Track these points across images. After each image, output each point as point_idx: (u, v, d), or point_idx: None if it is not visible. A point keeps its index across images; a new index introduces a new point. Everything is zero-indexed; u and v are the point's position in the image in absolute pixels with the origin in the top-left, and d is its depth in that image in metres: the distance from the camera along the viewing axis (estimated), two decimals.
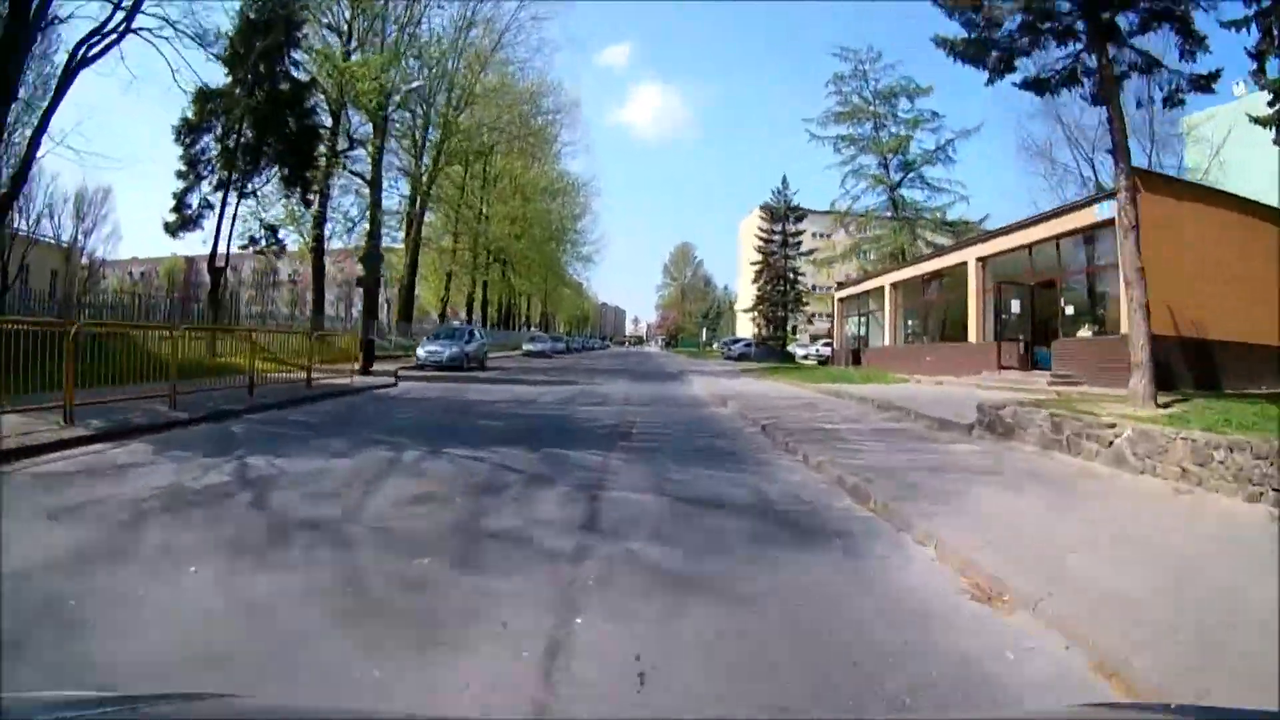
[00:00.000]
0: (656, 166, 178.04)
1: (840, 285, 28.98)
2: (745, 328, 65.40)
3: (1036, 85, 10.31)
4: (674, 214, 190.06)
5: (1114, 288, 15.76)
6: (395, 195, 33.96)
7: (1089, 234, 16.14)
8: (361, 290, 20.91)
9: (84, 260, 66.84)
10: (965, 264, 19.96)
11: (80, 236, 61.74)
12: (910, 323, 24.30)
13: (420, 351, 21.32)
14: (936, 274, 21.91)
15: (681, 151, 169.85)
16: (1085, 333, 16.43)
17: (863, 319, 26.98)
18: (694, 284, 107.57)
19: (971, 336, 19.29)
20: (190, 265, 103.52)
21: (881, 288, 24.86)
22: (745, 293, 71.42)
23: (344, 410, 10.12)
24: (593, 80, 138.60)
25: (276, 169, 21.96)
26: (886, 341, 24.09)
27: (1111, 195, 15.37)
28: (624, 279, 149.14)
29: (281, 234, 25.75)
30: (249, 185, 21.83)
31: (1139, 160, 30.90)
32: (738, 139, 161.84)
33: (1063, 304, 17.01)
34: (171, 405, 8.24)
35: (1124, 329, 14.46)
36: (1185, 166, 31.01)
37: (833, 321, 32.06)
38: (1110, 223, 15.08)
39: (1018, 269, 18.43)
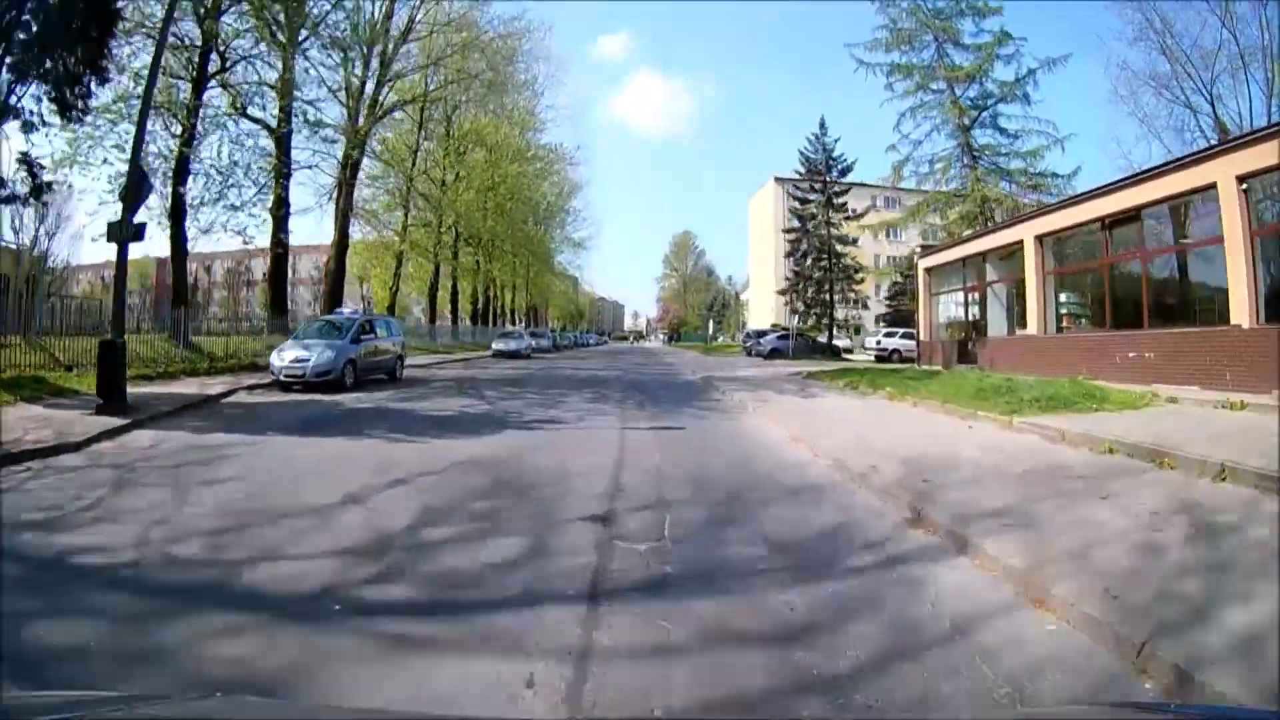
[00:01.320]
0: (655, 158, 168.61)
1: (925, 249, 20.26)
2: (761, 318, 56.68)
3: None
4: (674, 207, 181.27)
5: None
6: (320, 152, 25.19)
7: None
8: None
9: (48, 264, 57.96)
10: (1212, 188, 11.29)
11: (43, 238, 52.95)
12: (1066, 297, 15.66)
13: (274, 360, 12.67)
14: (1129, 214, 13.23)
15: (681, 142, 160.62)
16: None
17: (971, 296, 18.30)
18: (696, 275, 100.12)
19: (1240, 317, 10.65)
20: (162, 266, 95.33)
21: (1014, 245, 16.16)
22: (761, 276, 62.48)
23: None
24: (588, 70, 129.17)
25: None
26: (1032, 328, 15.39)
27: None
28: (623, 274, 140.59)
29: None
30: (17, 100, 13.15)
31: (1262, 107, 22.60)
32: (740, 128, 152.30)
33: None
34: None
35: None
36: None
37: (913, 302, 23.41)
38: None
39: None
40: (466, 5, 29.95)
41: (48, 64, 12.63)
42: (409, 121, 32.17)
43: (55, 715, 1.06)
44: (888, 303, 36.36)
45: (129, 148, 16.68)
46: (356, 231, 31.42)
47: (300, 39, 21.58)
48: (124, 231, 9.52)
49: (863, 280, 30.51)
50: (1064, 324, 15.71)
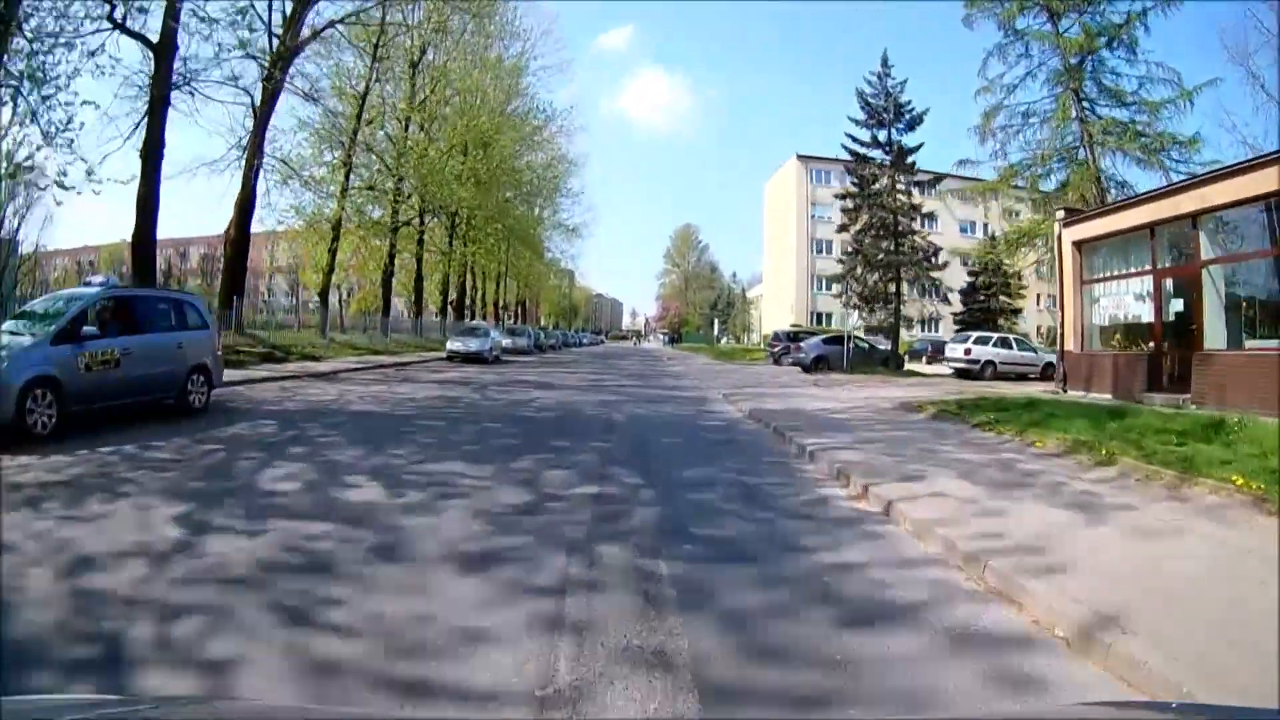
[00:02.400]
0: (658, 154, 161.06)
1: (1070, 215, 13.72)
2: (778, 318, 50.13)
3: None
4: (677, 203, 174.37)
5: None
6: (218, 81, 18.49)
7: None
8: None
9: (23, 250, 51.30)
10: None
11: (12, 219, 45.49)
12: None
13: None
14: None
15: (684, 138, 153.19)
16: None
17: (1165, 284, 11.76)
18: (699, 270, 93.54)
19: None
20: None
21: (1259, 199, 9.67)
22: (779, 271, 55.54)
23: None
24: (592, 65, 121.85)
25: None
26: None
27: None
28: (624, 270, 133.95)
29: None
30: None
31: None
32: (745, 123, 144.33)
33: None
34: None
35: None
36: None
37: (1000, 296, 16.54)
38: None
39: None
40: None
41: None
42: (361, 60, 25.36)
43: (55, 716, 1.01)
44: (962, 299, 29.52)
45: None
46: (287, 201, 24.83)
47: None
48: None
49: (945, 265, 23.19)
50: None
